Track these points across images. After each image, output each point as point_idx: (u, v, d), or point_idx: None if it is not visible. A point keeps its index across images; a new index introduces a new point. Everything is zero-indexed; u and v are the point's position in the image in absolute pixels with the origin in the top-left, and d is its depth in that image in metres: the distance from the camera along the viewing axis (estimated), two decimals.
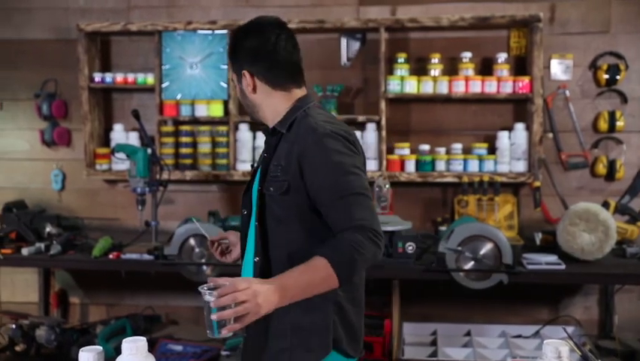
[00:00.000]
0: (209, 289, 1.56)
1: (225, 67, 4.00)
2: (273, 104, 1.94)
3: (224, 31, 3.98)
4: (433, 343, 3.62)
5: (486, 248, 3.30)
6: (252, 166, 2.05)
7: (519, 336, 3.67)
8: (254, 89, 1.94)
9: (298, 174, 1.81)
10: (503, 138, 3.86)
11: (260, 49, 1.91)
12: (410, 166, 3.91)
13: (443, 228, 3.79)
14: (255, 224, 1.90)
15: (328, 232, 1.80)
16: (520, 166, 3.86)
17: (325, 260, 1.66)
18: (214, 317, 1.53)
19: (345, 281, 1.70)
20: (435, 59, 3.91)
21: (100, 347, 1.39)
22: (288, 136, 1.88)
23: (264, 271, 1.87)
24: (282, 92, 1.94)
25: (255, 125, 3.90)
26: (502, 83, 3.83)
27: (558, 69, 3.90)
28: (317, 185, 1.79)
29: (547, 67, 3.89)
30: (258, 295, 1.57)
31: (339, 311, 1.88)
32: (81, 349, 1.38)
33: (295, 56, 1.97)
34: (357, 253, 1.68)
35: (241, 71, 1.94)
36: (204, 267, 3.47)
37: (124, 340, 1.43)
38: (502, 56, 3.87)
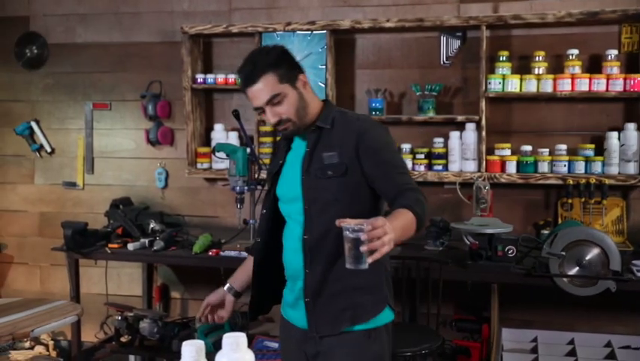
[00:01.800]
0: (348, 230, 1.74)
1: (323, 67, 4.01)
2: (314, 103, 2.21)
3: (323, 32, 4.00)
4: (534, 350, 3.51)
5: (592, 254, 3.17)
6: (271, 172, 2.29)
7: (627, 347, 3.50)
8: (310, 89, 2.21)
9: (354, 156, 2.09)
10: (612, 138, 3.68)
11: (296, 60, 2.21)
12: (511, 167, 3.80)
13: (545, 231, 3.68)
14: (304, 207, 2.14)
15: (378, 205, 2.14)
16: (631, 168, 3.67)
17: (406, 209, 1.91)
18: (364, 248, 1.70)
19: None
20: (539, 56, 3.78)
21: (201, 341, 1.41)
22: (333, 130, 2.15)
23: (311, 246, 2.12)
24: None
25: None
26: (612, 81, 3.65)
27: None
28: (374, 161, 2.09)
29: None
30: (391, 231, 1.74)
31: (385, 272, 2.16)
32: (183, 343, 1.41)
33: None
34: (423, 202, 1.98)
35: (297, 75, 2.16)
36: None
37: (225, 335, 1.44)
38: (612, 53, 3.69)
